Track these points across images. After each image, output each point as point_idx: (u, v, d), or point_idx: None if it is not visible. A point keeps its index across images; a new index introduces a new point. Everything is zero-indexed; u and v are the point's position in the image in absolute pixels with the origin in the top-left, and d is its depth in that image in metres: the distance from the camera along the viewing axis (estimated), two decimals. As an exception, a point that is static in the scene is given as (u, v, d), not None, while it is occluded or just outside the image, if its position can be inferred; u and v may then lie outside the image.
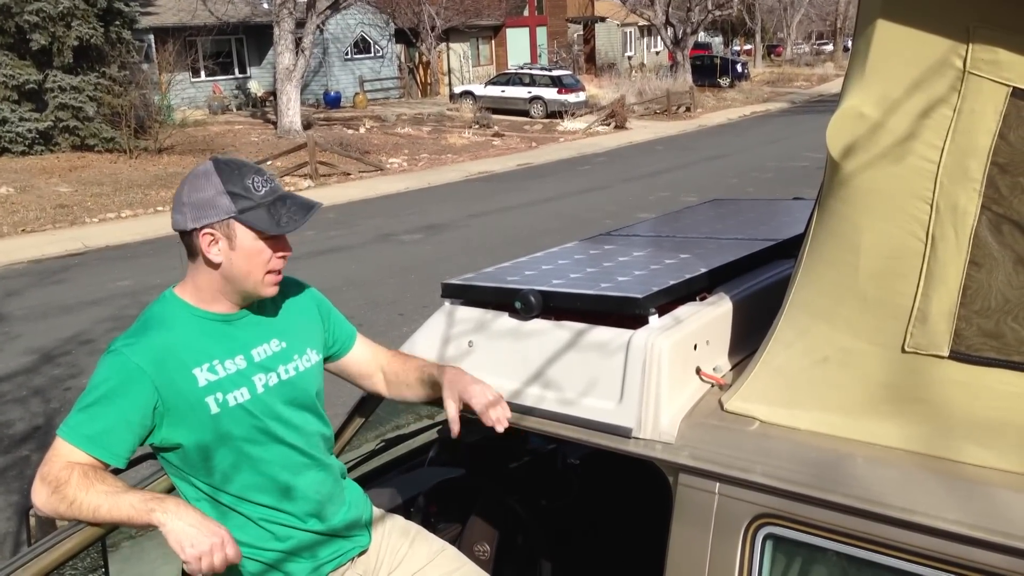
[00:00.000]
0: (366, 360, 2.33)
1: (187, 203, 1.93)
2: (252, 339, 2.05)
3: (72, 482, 1.80)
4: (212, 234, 1.93)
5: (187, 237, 1.96)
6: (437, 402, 2.19)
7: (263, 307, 2.08)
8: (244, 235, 1.93)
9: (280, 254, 1.98)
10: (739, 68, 43.85)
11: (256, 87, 31.14)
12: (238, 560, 1.79)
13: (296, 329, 2.14)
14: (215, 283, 1.98)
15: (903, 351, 1.63)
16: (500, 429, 2.05)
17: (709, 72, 41.68)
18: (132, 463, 1.98)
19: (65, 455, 1.85)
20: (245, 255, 1.94)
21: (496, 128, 27.33)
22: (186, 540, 1.72)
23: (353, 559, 2.19)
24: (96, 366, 1.93)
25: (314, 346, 2.18)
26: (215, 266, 1.95)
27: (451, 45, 38.18)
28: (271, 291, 2.01)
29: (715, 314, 2.08)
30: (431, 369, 2.22)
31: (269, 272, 1.98)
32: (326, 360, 2.27)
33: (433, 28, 34.76)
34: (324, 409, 2.20)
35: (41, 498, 1.84)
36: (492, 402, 2.07)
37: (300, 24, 23.67)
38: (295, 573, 2.08)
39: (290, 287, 2.18)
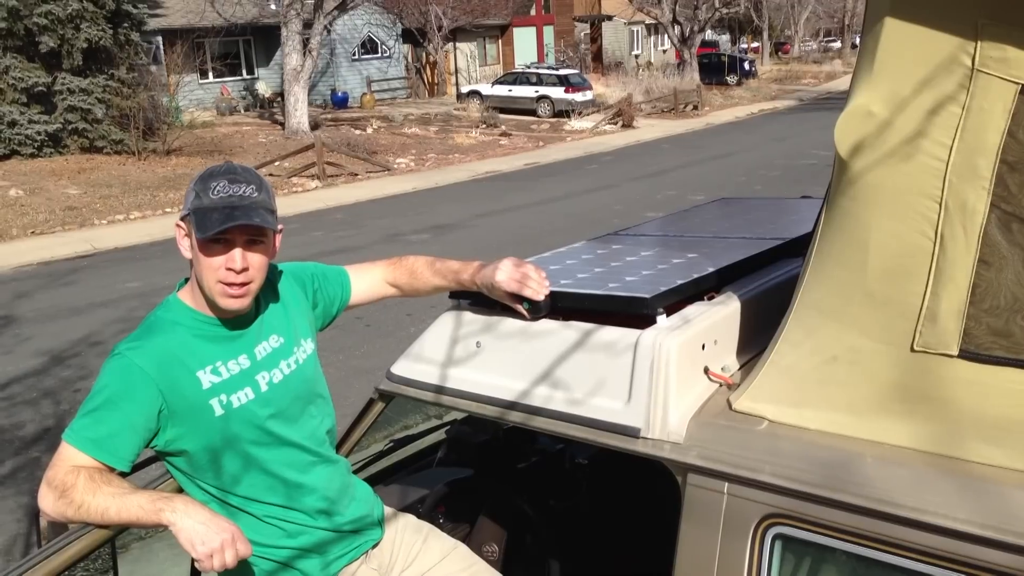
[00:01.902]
0: (369, 288, 2.37)
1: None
2: (253, 338, 2.05)
3: (79, 486, 1.80)
4: (181, 227, 1.98)
5: None
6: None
7: (259, 304, 2.08)
8: (193, 234, 1.93)
9: (228, 265, 1.91)
10: (746, 66, 43.76)
11: (264, 88, 31.21)
12: (249, 555, 1.79)
13: (290, 322, 2.14)
14: (197, 283, 1.98)
15: (912, 350, 1.62)
16: (540, 297, 2.11)
17: (716, 70, 41.62)
18: (139, 466, 1.99)
19: (70, 459, 1.85)
20: (195, 255, 1.94)
21: (503, 127, 27.33)
22: (197, 538, 1.72)
23: (367, 553, 2.20)
24: (101, 372, 1.93)
25: (307, 335, 2.18)
26: (190, 263, 1.98)
27: (458, 45, 38.18)
28: (225, 303, 1.94)
29: (723, 314, 2.08)
30: (447, 272, 2.29)
31: (219, 282, 1.92)
32: (337, 311, 2.32)
33: (440, 28, 34.77)
34: (327, 390, 2.22)
35: (48, 503, 1.84)
36: (521, 280, 2.11)
37: (308, 25, 23.72)
38: (307, 570, 2.09)
39: (276, 278, 2.17)
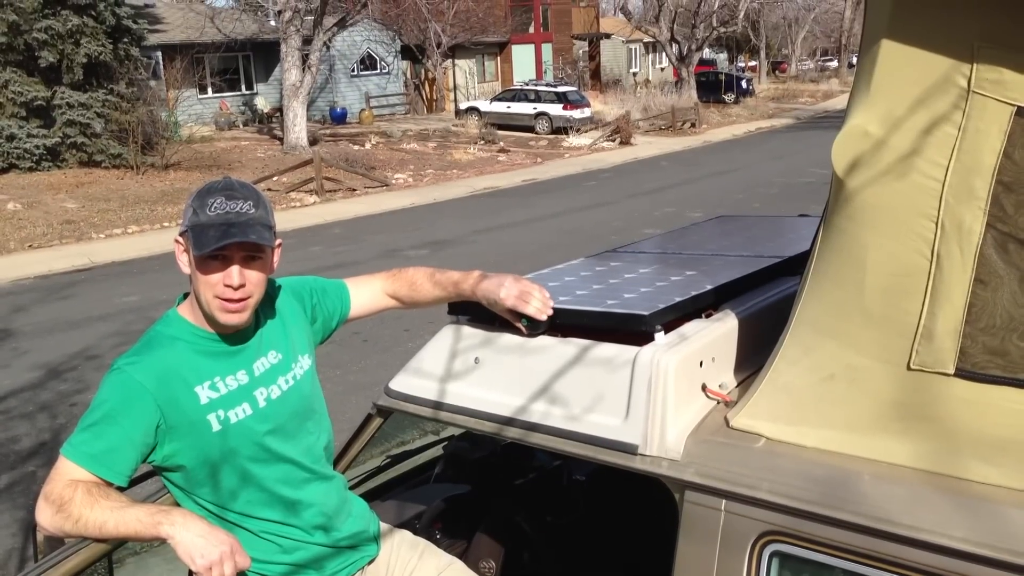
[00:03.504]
0: (369, 301, 2.37)
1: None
2: (252, 353, 2.05)
3: (76, 500, 1.80)
4: (180, 243, 1.98)
5: None
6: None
7: (258, 320, 2.09)
8: (191, 251, 1.94)
9: (226, 282, 1.91)
10: (744, 84, 43.93)
11: (263, 103, 31.29)
12: (248, 567, 1.80)
13: (288, 338, 2.15)
14: (196, 298, 1.99)
15: (909, 368, 1.63)
16: (543, 318, 2.11)
17: (714, 88, 41.78)
18: (136, 481, 1.99)
19: (68, 473, 1.85)
20: (193, 271, 1.94)
21: (502, 144, 27.39)
22: (196, 551, 1.72)
23: (363, 569, 2.20)
24: (100, 387, 1.93)
25: (304, 351, 2.18)
26: (189, 278, 1.98)
27: (457, 61, 38.33)
28: (224, 318, 1.94)
29: (721, 331, 2.08)
30: (447, 282, 2.29)
31: (217, 297, 1.92)
32: (337, 324, 2.32)
33: (439, 45, 34.92)
34: (325, 406, 2.22)
35: (46, 517, 1.84)
36: (523, 297, 2.11)
37: (307, 41, 23.82)
38: (302, 585, 2.09)
39: (275, 293, 2.18)
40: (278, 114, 27.74)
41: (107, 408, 1.89)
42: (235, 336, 2.03)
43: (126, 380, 1.91)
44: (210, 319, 1.97)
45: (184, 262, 1.98)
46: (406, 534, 2.37)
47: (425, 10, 33.35)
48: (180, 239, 1.98)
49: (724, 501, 1.77)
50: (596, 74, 46.11)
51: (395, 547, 2.28)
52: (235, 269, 1.91)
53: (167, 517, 1.76)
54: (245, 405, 2.00)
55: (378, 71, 35.17)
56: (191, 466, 1.97)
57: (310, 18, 24.06)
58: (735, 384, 2.08)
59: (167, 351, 1.96)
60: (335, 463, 2.37)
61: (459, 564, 2.35)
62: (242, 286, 1.92)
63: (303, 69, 23.50)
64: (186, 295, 2.06)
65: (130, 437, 1.88)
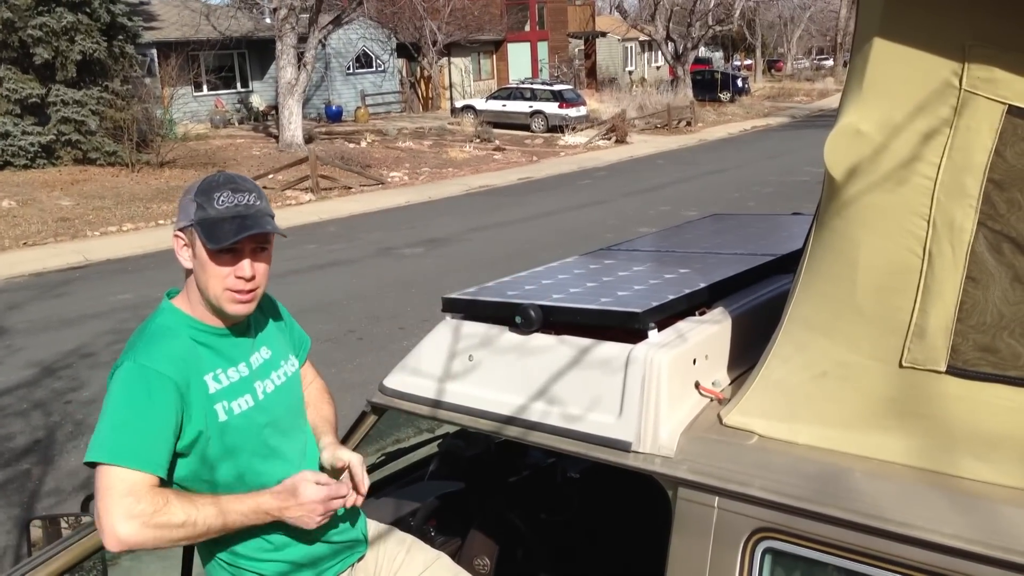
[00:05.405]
0: (304, 379, 2.32)
1: (178, 206, 2.01)
2: (249, 347, 2.07)
3: (172, 506, 1.80)
4: (181, 238, 1.99)
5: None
6: None
7: (251, 315, 2.09)
8: (199, 244, 1.93)
9: (237, 274, 1.93)
10: (739, 83, 43.98)
11: (258, 101, 31.24)
12: (344, 494, 2.00)
13: (276, 337, 2.17)
14: (196, 292, 1.99)
15: (901, 366, 1.63)
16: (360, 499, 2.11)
17: (710, 87, 41.83)
18: None
19: (125, 481, 1.79)
20: (201, 265, 1.94)
21: (497, 142, 27.39)
22: (310, 521, 1.94)
23: (353, 565, 2.21)
24: (114, 384, 1.89)
25: (291, 352, 2.21)
26: (189, 272, 1.99)
27: (452, 59, 38.30)
28: (234, 308, 1.96)
29: (714, 329, 2.09)
30: (317, 421, 2.27)
31: (227, 289, 1.94)
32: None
33: (435, 43, 34.88)
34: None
35: (136, 535, 1.76)
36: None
37: (302, 39, 23.79)
38: (294, 582, 2.09)
39: (263, 298, 2.18)
40: (273, 112, 27.67)
41: (136, 405, 1.85)
42: (234, 329, 2.04)
43: (147, 373, 1.87)
44: (216, 311, 1.98)
45: (186, 256, 1.98)
46: (393, 530, 2.38)
47: (421, 8, 33.29)
48: (182, 234, 1.98)
49: (717, 498, 1.77)
50: (592, 72, 46.12)
51: (383, 543, 2.29)
52: (246, 262, 1.94)
53: (261, 505, 1.92)
54: (248, 396, 2.01)
55: (374, 69, 35.13)
56: (193, 456, 1.95)
57: (305, 16, 24.02)
58: (728, 381, 2.08)
59: (176, 341, 1.96)
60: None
61: (446, 559, 2.36)
62: (253, 277, 1.95)
63: (298, 67, 23.47)
64: (177, 290, 2.06)
65: (164, 427, 1.86)
